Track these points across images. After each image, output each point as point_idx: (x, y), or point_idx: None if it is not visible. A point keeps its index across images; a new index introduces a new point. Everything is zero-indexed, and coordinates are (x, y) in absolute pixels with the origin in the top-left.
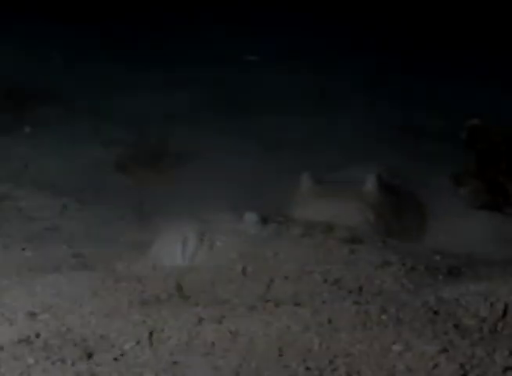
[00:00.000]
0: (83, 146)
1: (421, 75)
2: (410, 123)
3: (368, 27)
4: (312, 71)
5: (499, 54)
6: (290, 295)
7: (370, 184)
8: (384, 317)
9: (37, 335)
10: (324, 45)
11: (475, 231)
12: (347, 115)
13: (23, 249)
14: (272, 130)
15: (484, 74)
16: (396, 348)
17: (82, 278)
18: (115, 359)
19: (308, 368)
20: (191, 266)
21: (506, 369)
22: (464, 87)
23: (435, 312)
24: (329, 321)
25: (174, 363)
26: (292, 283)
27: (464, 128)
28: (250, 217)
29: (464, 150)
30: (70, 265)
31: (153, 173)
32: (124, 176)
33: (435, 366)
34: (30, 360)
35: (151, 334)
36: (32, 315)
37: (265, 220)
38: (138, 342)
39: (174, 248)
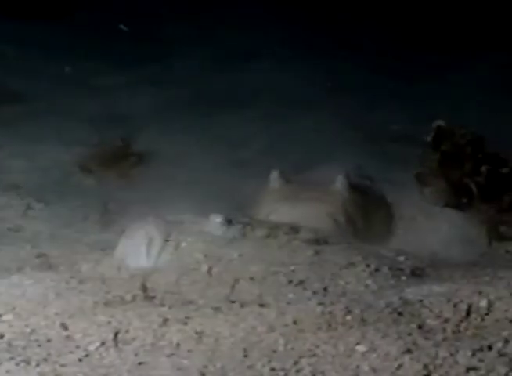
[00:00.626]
0: (46, 146)
1: (392, 76)
2: (378, 124)
3: (339, 27)
4: (279, 71)
5: (472, 56)
6: (255, 296)
7: (339, 184)
8: (348, 318)
9: (1, 336)
10: (293, 43)
11: (439, 231)
12: (315, 116)
13: None
14: (239, 130)
15: (457, 75)
16: (360, 348)
17: (46, 279)
18: (80, 360)
19: (273, 369)
20: (156, 267)
21: (469, 369)
22: (436, 88)
23: (399, 313)
24: (294, 322)
25: (140, 363)
26: (257, 284)
27: (430, 129)
28: (216, 218)
29: (430, 150)
30: (33, 265)
31: (116, 173)
32: (88, 176)
33: (399, 366)
34: None
35: (116, 334)
36: None
37: (229, 221)
38: (103, 343)
39: (139, 249)
